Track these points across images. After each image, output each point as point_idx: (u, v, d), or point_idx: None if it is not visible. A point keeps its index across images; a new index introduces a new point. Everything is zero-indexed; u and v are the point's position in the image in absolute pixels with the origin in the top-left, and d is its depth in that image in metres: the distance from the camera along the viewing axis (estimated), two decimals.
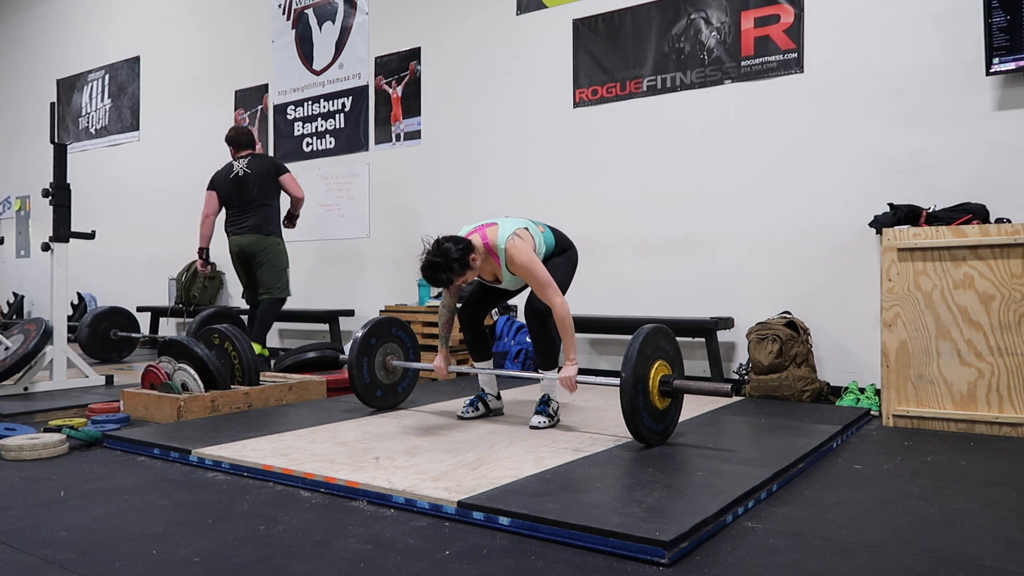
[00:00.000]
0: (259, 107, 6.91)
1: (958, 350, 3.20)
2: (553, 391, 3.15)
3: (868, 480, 2.40)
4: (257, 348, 4.71)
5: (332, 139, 6.39)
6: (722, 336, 4.43)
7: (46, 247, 4.25)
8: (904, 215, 3.63)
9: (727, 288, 4.52)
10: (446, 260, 2.85)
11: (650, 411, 2.63)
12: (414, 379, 3.68)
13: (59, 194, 4.31)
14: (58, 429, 3.00)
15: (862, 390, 3.89)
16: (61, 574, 1.63)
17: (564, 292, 3.11)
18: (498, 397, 3.38)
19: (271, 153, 6.79)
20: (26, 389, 4.08)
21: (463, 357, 4.90)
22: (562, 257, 3.22)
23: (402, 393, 3.61)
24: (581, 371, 4.89)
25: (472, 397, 3.37)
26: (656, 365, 2.65)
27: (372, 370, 3.45)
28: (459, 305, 3.36)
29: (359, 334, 3.40)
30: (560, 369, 3.00)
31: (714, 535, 1.86)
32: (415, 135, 5.91)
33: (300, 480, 2.32)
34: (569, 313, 2.94)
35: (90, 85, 8.49)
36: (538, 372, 3.15)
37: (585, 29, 5.04)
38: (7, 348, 4.12)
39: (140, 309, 6.94)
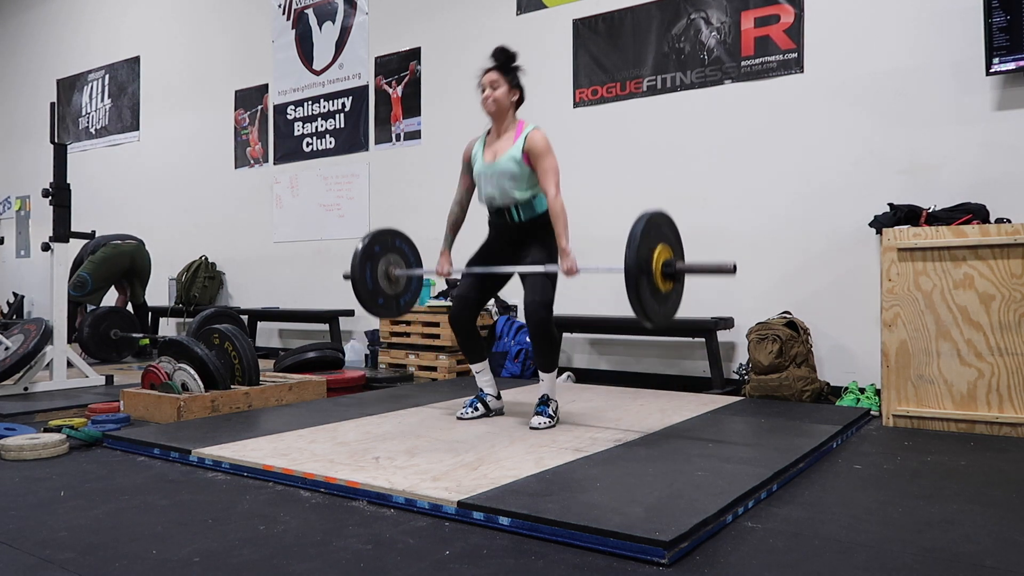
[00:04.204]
0: (259, 107, 6.91)
1: (958, 350, 3.20)
2: (553, 391, 3.15)
3: (868, 480, 2.40)
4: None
5: (332, 139, 6.39)
6: (722, 336, 4.43)
7: (46, 247, 4.25)
8: (904, 215, 3.63)
9: (727, 288, 4.52)
10: (514, 55, 3.18)
11: (654, 293, 2.64)
12: (416, 293, 3.57)
13: (59, 194, 4.31)
14: (58, 429, 3.00)
15: (862, 390, 3.89)
16: (61, 574, 1.63)
17: (555, 288, 3.11)
18: (498, 397, 3.37)
19: (271, 153, 6.80)
20: (26, 389, 4.08)
21: (463, 357, 4.90)
22: (553, 245, 3.19)
23: (404, 306, 3.50)
24: (580, 371, 4.92)
25: (471, 398, 3.37)
26: (658, 248, 2.65)
27: (375, 277, 3.34)
28: (451, 303, 3.36)
29: (363, 241, 3.31)
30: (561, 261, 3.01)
31: (714, 535, 1.86)
32: (415, 135, 5.91)
33: (300, 480, 2.32)
34: (564, 205, 3.03)
35: (90, 85, 8.49)
36: (538, 372, 3.16)
37: (585, 29, 5.04)
38: (7, 348, 4.12)
39: None
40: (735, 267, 2.64)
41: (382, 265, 3.37)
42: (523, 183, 3.11)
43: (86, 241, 6.15)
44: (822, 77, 4.24)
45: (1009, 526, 1.93)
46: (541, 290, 3.05)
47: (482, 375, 3.35)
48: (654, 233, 2.65)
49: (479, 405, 3.31)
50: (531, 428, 3.01)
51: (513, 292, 4.60)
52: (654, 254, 2.63)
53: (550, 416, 3.05)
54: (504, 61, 3.18)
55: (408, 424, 3.14)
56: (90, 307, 6.14)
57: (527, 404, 3.53)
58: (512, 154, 3.10)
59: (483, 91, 3.21)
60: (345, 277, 3.34)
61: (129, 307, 6.41)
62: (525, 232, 3.19)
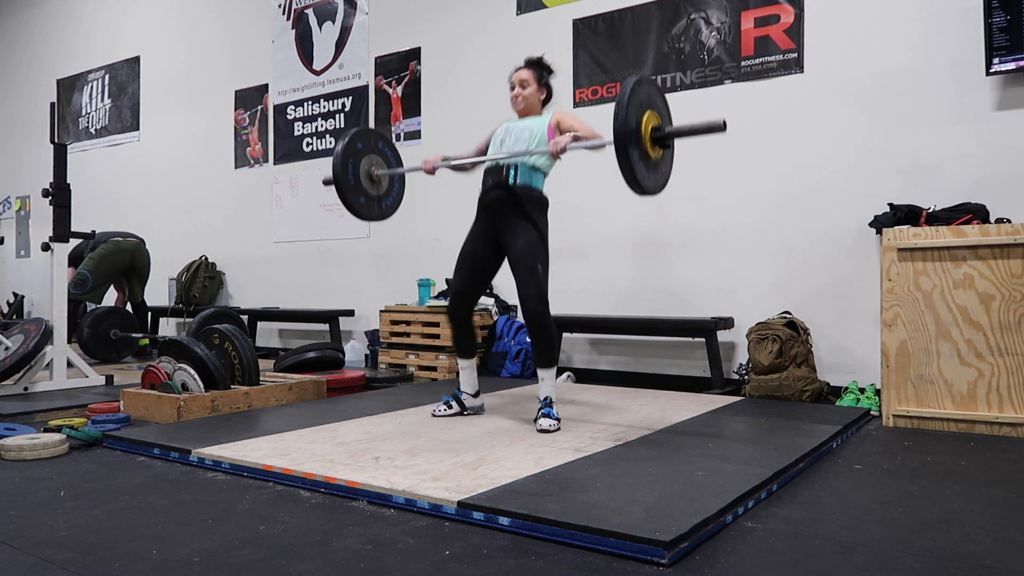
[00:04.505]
0: (259, 107, 6.91)
1: (958, 350, 3.20)
2: (553, 391, 3.12)
3: (868, 480, 2.40)
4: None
5: (332, 139, 6.39)
6: (722, 336, 4.43)
7: (46, 247, 4.25)
8: (904, 215, 3.63)
9: (727, 288, 4.52)
10: (546, 64, 3.31)
11: (644, 160, 2.62)
12: (398, 198, 3.52)
13: (59, 194, 4.31)
14: (58, 429, 3.00)
15: (862, 390, 3.89)
16: (61, 574, 1.63)
17: (547, 275, 3.09)
18: (475, 395, 3.36)
19: (271, 153, 6.81)
20: (26, 389, 4.08)
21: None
22: (542, 228, 3.18)
23: (386, 209, 3.46)
24: (580, 371, 4.92)
25: (446, 396, 3.38)
26: (647, 114, 2.64)
27: (357, 174, 3.30)
28: (450, 301, 3.33)
29: (346, 137, 3.27)
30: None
31: (714, 535, 1.86)
32: (415, 135, 5.91)
33: (300, 480, 2.32)
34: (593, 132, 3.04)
35: (90, 85, 8.49)
36: (537, 372, 3.12)
37: (585, 29, 5.04)
38: (7, 348, 4.12)
39: None
40: (725, 123, 2.58)
41: (365, 164, 3.32)
42: (535, 145, 3.16)
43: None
44: (822, 77, 4.24)
45: (1009, 526, 1.93)
46: (534, 281, 3.02)
47: (466, 371, 3.34)
48: (642, 100, 2.63)
49: (453, 403, 3.32)
50: (539, 431, 2.94)
51: (513, 292, 4.60)
52: (643, 121, 2.61)
53: (556, 418, 3.01)
54: (536, 61, 3.30)
55: (408, 424, 3.14)
56: (91, 306, 6.13)
57: (527, 404, 3.53)
58: (539, 121, 3.21)
59: (512, 89, 3.27)
60: (326, 182, 3.30)
61: (127, 307, 6.40)
62: (513, 204, 3.14)
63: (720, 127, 2.58)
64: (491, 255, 3.25)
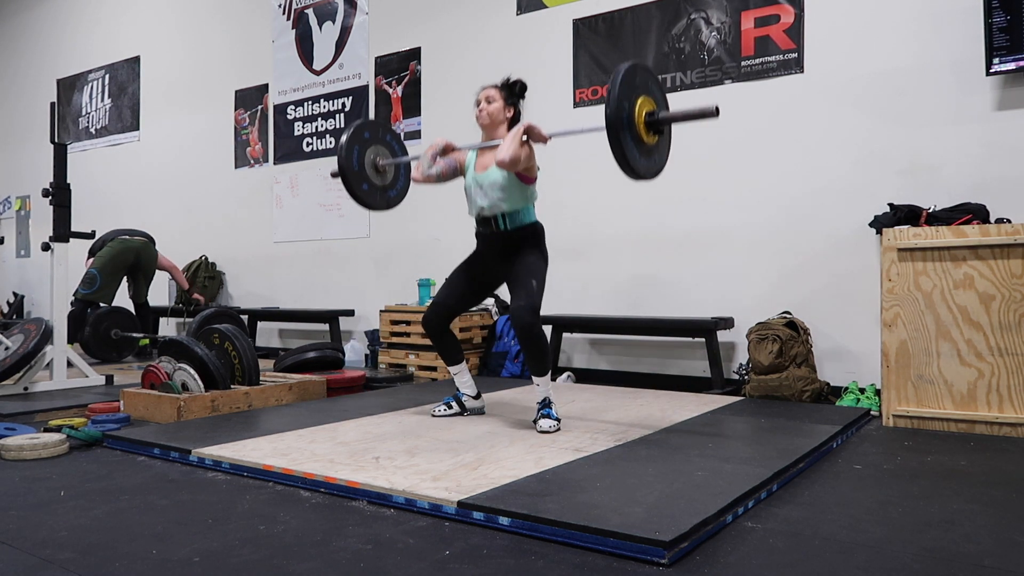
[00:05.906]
0: (259, 107, 6.91)
1: (958, 350, 3.20)
2: (551, 393, 3.12)
3: (868, 480, 2.40)
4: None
5: (332, 139, 6.39)
6: (722, 336, 4.43)
7: (46, 247, 4.25)
8: (904, 215, 3.63)
9: (727, 288, 4.52)
10: (519, 84, 3.23)
11: (638, 144, 2.60)
12: (404, 190, 3.52)
13: (59, 194, 4.31)
14: (58, 429, 3.00)
15: (862, 390, 3.89)
16: (61, 574, 1.63)
17: (542, 293, 3.06)
18: (476, 397, 3.36)
19: (271, 153, 6.81)
20: (26, 389, 4.08)
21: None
22: (541, 252, 3.17)
23: (392, 199, 3.46)
24: (580, 371, 4.92)
25: (447, 396, 3.38)
26: (640, 100, 2.62)
27: (362, 161, 3.30)
28: (429, 311, 3.31)
29: (352, 126, 3.27)
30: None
31: (714, 535, 1.86)
32: (415, 135, 5.91)
33: (300, 480, 2.32)
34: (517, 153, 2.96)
35: (90, 85, 8.49)
36: (532, 378, 3.09)
37: (585, 29, 5.04)
38: (7, 348, 4.12)
39: None
40: (717, 109, 2.58)
41: (370, 154, 3.32)
42: (511, 193, 3.09)
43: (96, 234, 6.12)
44: (822, 77, 4.24)
45: (1009, 526, 1.93)
46: (527, 295, 2.98)
47: (459, 376, 3.34)
48: (637, 85, 2.61)
49: (453, 403, 3.33)
50: (540, 432, 2.93)
51: None
52: (636, 106, 2.59)
53: (556, 418, 3.00)
54: (506, 81, 3.23)
55: (408, 424, 3.14)
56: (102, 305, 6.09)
57: (527, 404, 3.53)
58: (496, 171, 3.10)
59: (478, 105, 3.21)
60: (333, 175, 3.31)
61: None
62: (511, 241, 3.14)
63: (712, 112, 2.57)
64: (479, 287, 3.31)
